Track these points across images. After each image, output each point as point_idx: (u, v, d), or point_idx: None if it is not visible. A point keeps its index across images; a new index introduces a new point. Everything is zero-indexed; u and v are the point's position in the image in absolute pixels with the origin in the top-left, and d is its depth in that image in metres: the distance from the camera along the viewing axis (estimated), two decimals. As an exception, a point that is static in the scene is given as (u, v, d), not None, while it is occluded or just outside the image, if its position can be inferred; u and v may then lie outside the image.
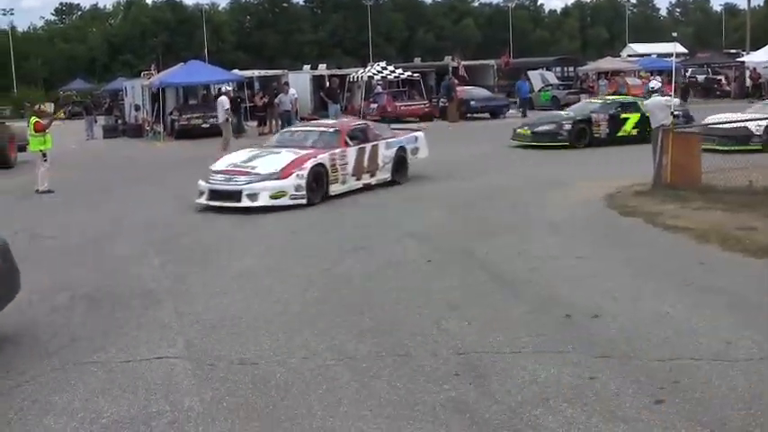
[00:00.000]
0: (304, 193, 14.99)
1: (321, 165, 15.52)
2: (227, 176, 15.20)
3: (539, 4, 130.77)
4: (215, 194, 15.09)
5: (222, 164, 15.86)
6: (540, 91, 45.01)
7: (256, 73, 44.31)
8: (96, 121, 40.75)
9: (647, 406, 5.77)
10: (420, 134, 19.27)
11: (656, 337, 7.19)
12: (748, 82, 46.91)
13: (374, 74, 40.89)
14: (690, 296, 8.48)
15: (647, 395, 5.94)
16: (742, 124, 21.06)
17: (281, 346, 7.36)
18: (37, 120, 19.62)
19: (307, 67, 49.62)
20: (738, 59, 52.66)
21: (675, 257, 10.24)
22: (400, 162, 18.02)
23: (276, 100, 33.15)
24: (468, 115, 38.17)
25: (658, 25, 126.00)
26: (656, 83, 37.05)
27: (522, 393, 6.07)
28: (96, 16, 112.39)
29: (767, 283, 8.93)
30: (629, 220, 12.74)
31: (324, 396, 6.17)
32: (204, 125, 34.21)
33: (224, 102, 27.81)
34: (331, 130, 17.20)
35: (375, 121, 37.08)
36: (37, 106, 22.69)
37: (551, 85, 47.12)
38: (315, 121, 18.82)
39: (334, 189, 15.83)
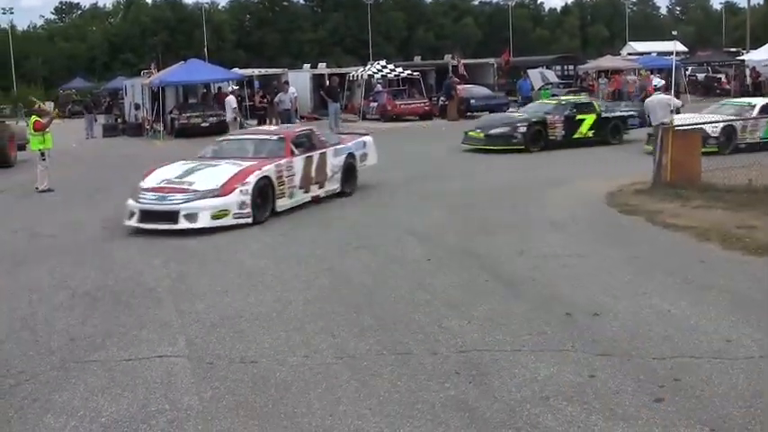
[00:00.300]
0: (249, 210, 13.23)
1: (266, 178, 13.70)
2: (161, 195, 13.25)
3: (539, 2, 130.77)
4: (147, 216, 13.11)
5: (154, 180, 13.76)
6: (539, 89, 44.95)
7: (256, 72, 44.30)
8: (96, 120, 40.74)
9: (647, 404, 5.77)
10: (368, 139, 17.83)
11: (656, 335, 7.19)
12: (748, 80, 46.86)
13: (374, 72, 40.90)
14: (690, 294, 8.48)
15: (647, 393, 5.94)
16: (697, 126, 20.52)
17: (281, 344, 7.36)
18: (37, 119, 19.62)
19: (307, 65, 49.58)
20: (738, 58, 52.63)
21: (676, 256, 10.24)
22: (349, 170, 16.46)
23: (276, 99, 33.13)
24: (468, 114, 38.15)
25: (658, 23, 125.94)
26: (658, 80, 36.99)
27: (522, 392, 6.07)
28: (96, 15, 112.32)
29: (767, 281, 8.94)
30: (630, 219, 12.75)
31: (323, 395, 6.17)
32: (204, 124, 34.21)
33: (231, 101, 27.83)
34: (274, 137, 15.40)
35: (375, 120, 37.43)
36: (37, 105, 22.64)
37: (551, 83, 47.06)
38: (255, 128, 17.00)
39: (282, 204, 14.11)
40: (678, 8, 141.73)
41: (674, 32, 30.18)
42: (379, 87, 40.23)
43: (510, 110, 39.46)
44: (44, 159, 19.10)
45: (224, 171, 13.64)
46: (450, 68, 43.13)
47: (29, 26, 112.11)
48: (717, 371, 6.32)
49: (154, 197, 13.29)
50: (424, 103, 39.42)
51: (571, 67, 53.46)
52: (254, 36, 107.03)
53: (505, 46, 73.39)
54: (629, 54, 68.85)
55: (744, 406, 5.70)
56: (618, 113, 25.59)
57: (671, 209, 13.17)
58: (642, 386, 6.08)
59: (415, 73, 41.74)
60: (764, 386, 6.04)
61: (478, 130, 24.42)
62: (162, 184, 13.51)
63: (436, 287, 9.13)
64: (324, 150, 15.69)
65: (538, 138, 23.67)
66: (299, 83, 38.83)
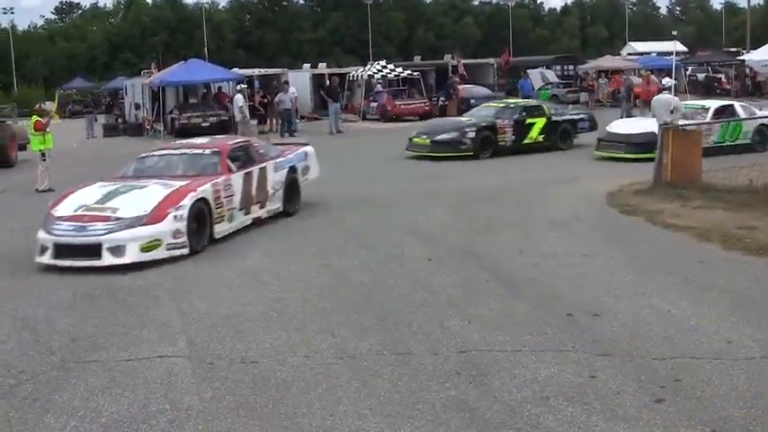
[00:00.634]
0: (185, 239, 11.20)
1: (203, 200, 11.73)
2: (79, 225, 11.10)
3: (539, 2, 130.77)
4: (63, 250, 10.98)
5: (69, 206, 11.61)
6: (539, 89, 44.99)
7: (256, 72, 44.29)
8: (96, 120, 40.76)
9: (647, 405, 5.77)
10: (309, 149, 15.85)
11: (656, 335, 7.19)
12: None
13: (374, 72, 40.89)
14: (691, 295, 8.48)
15: (647, 394, 5.94)
16: (649, 129, 19.42)
17: (281, 344, 7.36)
18: (37, 119, 19.65)
19: (307, 65, 49.56)
20: (738, 58, 52.65)
21: (676, 256, 10.24)
22: (291, 187, 14.51)
23: (276, 99, 33.13)
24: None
25: (658, 24, 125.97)
26: (668, 80, 36.81)
27: (522, 392, 6.07)
28: (96, 15, 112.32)
29: (768, 281, 8.95)
30: (630, 219, 12.75)
31: (324, 395, 6.17)
32: (204, 124, 34.19)
33: (239, 100, 27.85)
34: (208, 151, 13.35)
35: (375, 120, 37.42)
36: (37, 105, 22.66)
37: (551, 83, 47.12)
38: (185, 141, 14.78)
39: (220, 230, 12.15)
40: (678, 8, 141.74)
41: (674, 32, 30.19)
42: (379, 87, 40.21)
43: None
44: (44, 159, 19.12)
45: (153, 193, 11.63)
46: (450, 68, 43.12)
47: (29, 26, 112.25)
48: (717, 371, 6.31)
49: (70, 228, 11.16)
50: (424, 103, 39.37)
51: (571, 67, 53.45)
52: (253, 36, 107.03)
53: (505, 46, 73.40)
54: (629, 54, 68.91)
55: (745, 407, 5.70)
56: (568, 117, 24.60)
57: (671, 209, 13.17)
58: (643, 387, 6.08)
59: (414, 73, 41.73)
60: (765, 387, 6.03)
61: (424, 136, 22.91)
62: (80, 212, 11.38)
63: (436, 287, 9.13)
64: (264, 165, 13.73)
65: (488, 143, 22.47)
66: (299, 83, 38.82)
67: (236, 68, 45.08)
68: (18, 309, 8.94)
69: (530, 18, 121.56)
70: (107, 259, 10.76)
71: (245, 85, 36.19)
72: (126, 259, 10.75)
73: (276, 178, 13.96)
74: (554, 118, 23.76)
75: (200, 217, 11.65)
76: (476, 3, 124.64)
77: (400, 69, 42.25)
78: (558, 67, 53.48)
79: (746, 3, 73.65)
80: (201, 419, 5.83)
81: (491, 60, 49.34)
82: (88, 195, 11.87)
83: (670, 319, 7.63)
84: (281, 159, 14.41)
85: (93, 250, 10.85)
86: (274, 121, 34.25)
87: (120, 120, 41.24)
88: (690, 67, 51.19)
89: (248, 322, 8.07)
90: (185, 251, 11.17)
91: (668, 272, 9.44)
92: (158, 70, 42.74)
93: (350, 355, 7.03)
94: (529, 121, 23.26)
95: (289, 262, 10.73)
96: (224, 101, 36.66)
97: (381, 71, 41.00)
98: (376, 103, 39.09)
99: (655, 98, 20.35)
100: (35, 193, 18.68)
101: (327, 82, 37.14)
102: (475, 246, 11.26)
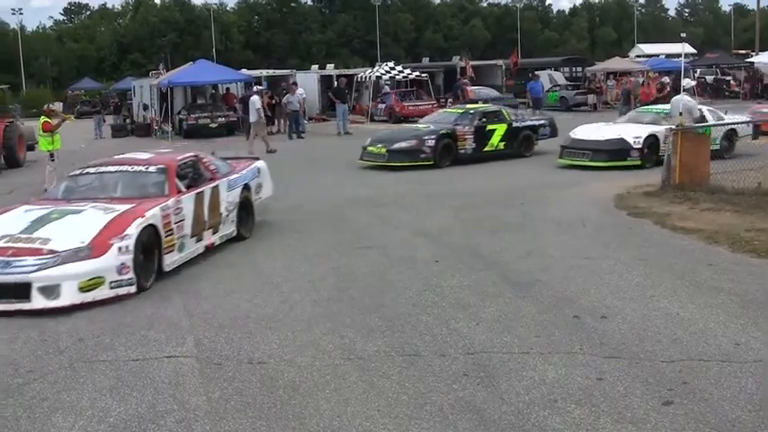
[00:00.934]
0: (131, 275, 9.32)
1: (152, 227, 9.92)
2: (2, 259, 9.12)
3: (547, 4, 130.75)
4: None
5: None
6: (548, 91, 44.96)
7: (264, 73, 44.36)
8: (104, 121, 40.87)
9: (655, 407, 5.76)
10: (261, 164, 14.17)
11: (665, 338, 7.17)
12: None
13: (382, 74, 40.92)
14: (699, 297, 8.45)
15: (655, 396, 5.93)
16: (618, 136, 19.42)
17: (289, 345, 7.37)
18: (46, 120, 19.70)
19: (315, 66, 49.65)
20: (747, 60, 52.57)
21: (684, 258, 10.21)
22: (245, 207, 12.78)
23: (284, 100, 33.17)
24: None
25: (667, 26, 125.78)
26: (688, 81, 36.62)
27: (530, 394, 6.06)
28: (105, 16, 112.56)
29: (776, 284, 8.92)
30: (638, 221, 12.72)
31: (332, 396, 6.17)
32: (212, 125, 34.35)
33: (256, 101, 27.95)
34: (152, 168, 11.39)
35: (383, 121, 37.42)
36: (46, 106, 22.70)
37: (559, 85, 47.08)
38: (124, 156, 12.57)
39: (170, 261, 10.31)
40: (687, 10, 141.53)
41: (683, 34, 30.04)
42: (386, 89, 40.26)
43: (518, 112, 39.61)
44: (53, 160, 19.18)
45: (91, 220, 9.77)
46: (459, 70, 43.14)
47: (38, 26, 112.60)
48: (726, 374, 6.30)
49: None
50: (432, 104, 39.38)
51: (579, 69, 53.40)
52: (262, 37, 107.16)
53: (513, 48, 73.44)
54: (638, 56, 68.88)
55: (753, 409, 5.68)
56: (529, 122, 23.71)
57: (679, 211, 13.15)
58: (650, 389, 6.06)
59: (423, 74, 41.76)
60: (773, 389, 6.03)
61: (379, 145, 21.43)
62: (2, 244, 9.38)
63: (444, 288, 9.13)
64: (216, 183, 11.99)
65: (448, 151, 21.24)
66: (307, 84, 38.90)
67: (245, 69, 45.16)
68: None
69: (538, 20, 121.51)
70: (38, 302, 8.84)
71: (262, 87, 36.29)
72: (62, 301, 8.85)
73: (229, 198, 12.20)
74: (515, 124, 22.88)
75: (148, 247, 9.82)
76: (484, 4, 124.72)
77: (408, 71, 42.30)
78: (567, 69, 53.42)
79: (756, 4, 73.49)
80: (209, 420, 5.84)
81: (499, 62, 49.35)
82: (12, 223, 9.92)
83: (678, 322, 7.61)
84: (234, 176, 12.69)
85: (21, 291, 8.88)
86: (282, 122, 34.29)
87: (128, 120, 41.35)
88: (698, 70, 51.12)
89: (255, 323, 8.08)
90: (132, 289, 9.31)
91: (676, 274, 9.42)
92: (167, 71, 42.85)
93: (357, 356, 7.04)
94: (489, 127, 22.25)
95: (296, 263, 10.73)
96: (232, 102, 36.78)
97: (389, 72, 41.04)
98: (384, 105, 39.13)
99: (673, 99, 20.06)
100: (44, 193, 18.71)
101: (335, 83, 37.17)
102: (482, 247, 11.25)
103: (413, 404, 5.97)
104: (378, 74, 40.96)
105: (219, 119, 34.67)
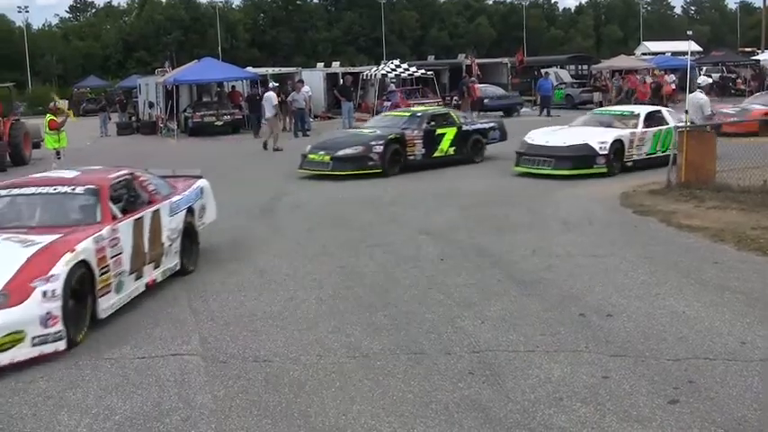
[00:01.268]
0: (59, 328, 7.28)
1: (84, 263, 7.82)
2: None
3: (553, 2, 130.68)
4: None
5: None
6: (554, 89, 44.91)
7: (270, 71, 44.36)
8: (110, 119, 40.91)
9: (661, 406, 5.75)
10: (204, 183, 11.80)
11: (670, 336, 7.17)
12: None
13: (388, 72, 40.89)
14: (705, 295, 8.45)
15: (661, 395, 5.93)
16: (582, 141, 17.88)
17: (294, 343, 7.37)
18: (52, 118, 19.76)
19: (320, 64, 49.63)
20: (753, 58, 52.46)
21: (690, 257, 10.20)
22: (189, 234, 10.58)
23: (289, 98, 33.17)
24: (482, 113, 38.15)
25: (673, 23, 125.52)
26: (704, 78, 36.44)
27: (535, 392, 6.06)
28: (111, 14, 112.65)
29: (783, 282, 8.90)
30: (644, 219, 12.72)
31: (337, 394, 6.17)
32: (218, 123, 34.37)
33: (272, 98, 28.02)
34: (80, 189, 9.18)
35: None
36: (52, 104, 22.78)
37: (565, 83, 47.01)
38: (42, 175, 10.72)
39: (107, 306, 8.18)
40: (693, 8, 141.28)
41: (689, 32, 29.86)
42: (392, 87, 40.22)
43: (523, 109, 39.55)
44: (59, 158, 19.23)
45: (6, 257, 7.65)
46: (464, 68, 43.12)
47: (44, 24, 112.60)
48: (731, 372, 6.29)
49: None
50: (438, 102, 39.38)
51: (585, 66, 53.29)
52: (267, 35, 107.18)
53: (519, 45, 73.38)
54: (644, 54, 68.69)
55: (759, 408, 5.67)
56: (479, 126, 22.29)
57: (685, 209, 13.14)
58: (656, 387, 6.06)
59: (428, 72, 41.73)
60: (780, 388, 6.01)
61: (322, 152, 19.57)
62: None
63: (449, 286, 9.12)
64: (156, 207, 9.85)
65: (397, 158, 19.65)
66: (312, 82, 38.90)
67: (250, 67, 45.17)
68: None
69: (544, 18, 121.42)
70: None
71: (278, 84, 36.30)
72: None
73: (172, 224, 10.09)
74: (464, 127, 21.43)
75: (79, 290, 7.76)
76: (490, 2, 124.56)
77: (414, 69, 42.26)
78: (572, 67, 53.33)
79: (762, 2, 73.35)
80: (214, 418, 5.84)
81: (505, 60, 49.31)
82: None
83: (684, 320, 7.60)
84: (176, 198, 10.54)
85: None
86: (288, 120, 34.30)
87: (133, 118, 41.39)
88: (704, 68, 51.03)
89: (261, 321, 8.08)
90: (61, 345, 7.28)
91: (682, 272, 9.41)
92: (172, 69, 42.87)
93: (363, 354, 7.04)
94: (439, 131, 20.68)
95: (302, 261, 10.73)
96: (238, 100, 36.79)
97: (395, 70, 40.98)
98: (389, 103, 39.01)
99: (689, 96, 19.74)
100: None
101: (341, 81, 37.16)
102: (488, 246, 11.25)
103: (418, 402, 5.97)
104: (383, 72, 40.91)
105: (225, 117, 34.71)
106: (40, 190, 9.33)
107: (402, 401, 6.00)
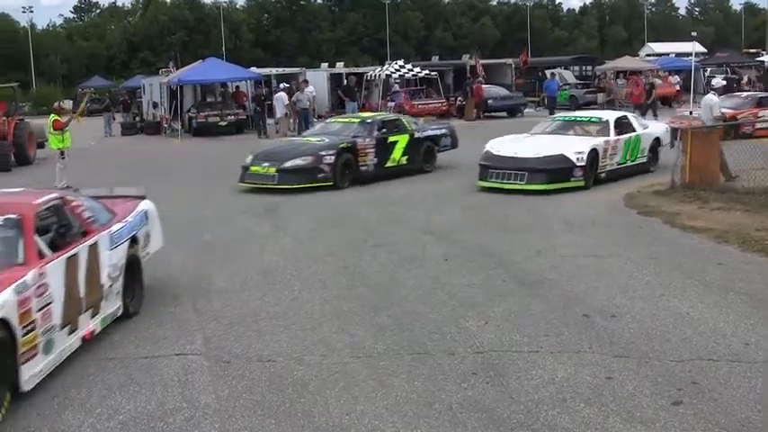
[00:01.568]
0: None
1: (2, 323, 5.91)
2: None
3: (557, 2, 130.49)
4: None
5: None
6: (558, 90, 44.88)
7: (274, 71, 44.36)
8: (114, 119, 40.92)
9: (664, 407, 5.75)
10: (148, 205, 9.75)
11: (674, 337, 7.16)
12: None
13: (392, 72, 40.89)
14: (709, 297, 8.44)
15: (664, 396, 5.92)
16: (558, 152, 15.99)
17: (298, 343, 7.37)
18: (56, 118, 19.77)
19: (324, 65, 49.64)
20: (758, 59, 52.40)
21: (694, 258, 10.19)
22: (132, 269, 8.65)
23: (294, 98, 33.16)
24: (486, 114, 38.17)
25: (677, 25, 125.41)
26: (718, 80, 36.30)
27: (539, 393, 6.06)
28: (115, 14, 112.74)
29: (787, 284, 8.89)
30: (648, 221, 12.70)
31: (341, 394, 6.18)
32: (222, 123, 34.37)
33: (283, 97, 28.10)
34: None
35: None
36: (56, 104, 22.79)
37: (569, 84, 46.98)
38: None
39: (33, 372, 6.28)
40: (697, 9, 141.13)
41: (694, 33, 29.86)
42: (396, 87, 40.23)
43: (527, 110, 39.48)
44: (63, 158, 19.25)
45: None
46: (468, 68, 43.11)
47: (48, 25, 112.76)
48: (735, 374, 6.28)
49: None
50: (442, 103, 39.40)
51: (589, 67, 53.25)
52: (271, 35, 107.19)
53: (523, 46, 73.37)
54: (648, 55, 68.65)
55: (762, 409, 5.67)
56: (430, 133, 20.62)
57: (689, 211, 13.13)
58: (660, 388, 6.05)
59: (432, 73, 41.72)
60: (784, 389, 6.01)
61: (266, 164, 17.66)
62: None
63: (453, 287, 9.12)
64: (93, 239, 7.85)
65: (349, 169, 17.96)
66: (316, 82, 38.87)
67: (254, 68, 45.18)
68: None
69: (548, 18, 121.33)
70: None
71: (288, 84, 36.31)
72: None
73: (113, 260, 8.15)
74: (416, 134, 19.88)
75: (1, 352, 5.95)
76: (494, 3, 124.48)
77: (418, 69, 42.24)
78: (577, 68, 53.30)
79: (767, 3, 73.23)
80: (218, 417, 5.85)
81: (509, 60, 49.25)
82: None
83: (688, 321, 7.60)
84: (116, 227, 8.50)
85: None
86: (292, 120, 34.29)
87: (137, 118, 41.41)
88: (708, 69, 50.98)
89: (265, 321, 8.09)
90: None
91: (686, 273, 9.40)
92: (176, 69, 42.89)
93: (367, 354, 7.04)
94: (391, 139, 19.10)
95: (306, 261, 10.73)
96: (242, 100, 36.81)
97: (399, 71, 41.00)
98: (393, 103, 39.04)
99: (703, 98, 19.53)
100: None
101: (345, 81, 37.16)
102: (492, 246, 11.24)
103: (422, 402, 5.97)
104: (387, 72, 40.92)
105: (229, 117, 34.71)
106: None
107: (406, 401, 6.00)
